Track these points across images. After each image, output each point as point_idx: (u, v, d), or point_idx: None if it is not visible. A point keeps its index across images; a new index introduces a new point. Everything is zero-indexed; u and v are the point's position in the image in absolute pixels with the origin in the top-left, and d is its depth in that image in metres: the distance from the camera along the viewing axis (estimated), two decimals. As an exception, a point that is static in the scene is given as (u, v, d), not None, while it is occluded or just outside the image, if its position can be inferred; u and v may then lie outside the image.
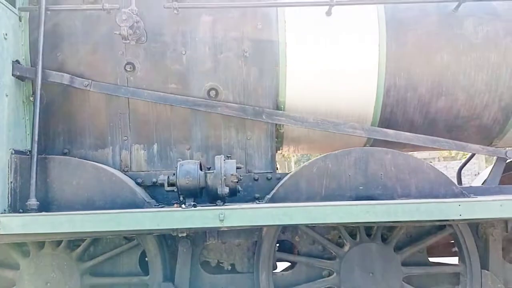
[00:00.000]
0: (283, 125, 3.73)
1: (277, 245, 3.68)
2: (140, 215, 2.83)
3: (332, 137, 3.79)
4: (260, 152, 3.62)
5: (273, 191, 3.31)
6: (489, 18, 3.64)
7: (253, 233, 3.47)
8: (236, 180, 3.08)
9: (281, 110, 3.68)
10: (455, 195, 3.26)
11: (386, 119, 3.82)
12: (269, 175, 3.57)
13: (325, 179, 3.31)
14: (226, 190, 3.03)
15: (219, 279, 3.50)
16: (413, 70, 3.65)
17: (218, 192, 3.04)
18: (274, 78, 3.60)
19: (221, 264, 3.58)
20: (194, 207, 2.98)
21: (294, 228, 3.47)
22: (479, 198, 3.11)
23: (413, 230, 3.52)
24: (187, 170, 3.08)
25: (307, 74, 3.65)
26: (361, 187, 3.28)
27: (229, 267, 3.56)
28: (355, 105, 3.75)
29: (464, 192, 3.30)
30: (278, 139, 3.95)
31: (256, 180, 3.57)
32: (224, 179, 3.05)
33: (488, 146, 4.17)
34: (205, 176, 3.07)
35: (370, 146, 3.91)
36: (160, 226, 2.82)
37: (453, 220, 3.22)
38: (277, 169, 3.88)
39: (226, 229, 3.11)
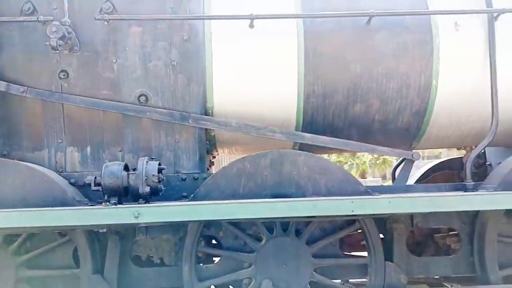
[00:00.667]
0: (213, 129, 4.02)
1: (213, 241, 3.99)
2: (62, 212, 3.10)
3: (262, 140, 4.08)
4: (188, 154, 3.89)
5: (196, 190, 3.59)
6: (399, 31, 3.97)
7: (180, 229, 3.75)
8: (157, 180, 3.36)
9: (209, 115, 3.97)
10: (360, 194, 3.57)
11: (309, 124, 4.12)
12: (196, 175, 3.84)
13: (243, 179, 3.60)
14: (147, 189, 3.31)
15: (147, 272, 3.79)
16: (329, 78, 3.96)
17: (140, 192, 3.31)
18: (201, 85, 3.88)
19: (151, 258, 3.86)
20: (115, 205, 3.25)
21: (218, 224, 3.76)
22: (373, 196, 3.43)
23: (327, 225, 3.84)
24: (111, 171, 3.35)
25: (232, 82, 3.94)
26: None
27: (158, 261, 3.85)
28: (279, 111, 4.05)
29: (368, 190, 3.61)
30: (210, 142, 4.24)
31: (184, 180, 3.84)
32: (145, 179, 3.33)
33: (408, 148, 4.54)
34: (128, 177, 3.35)
35: (298, 149, 4.22)
36: (80, 222, 3.10)
37: (360, 216, 3.57)
38: (207, 169, 4.19)
39: (144, 225, 3.39)
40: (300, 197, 3.55)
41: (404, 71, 3.97)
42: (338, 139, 3.93)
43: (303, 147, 4.20)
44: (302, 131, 4.11)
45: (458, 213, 3.91)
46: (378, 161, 38.33)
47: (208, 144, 4.23)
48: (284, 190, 3.59)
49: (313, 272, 3.67)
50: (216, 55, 3.88)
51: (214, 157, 4.92)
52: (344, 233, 3.79)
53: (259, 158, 3.63)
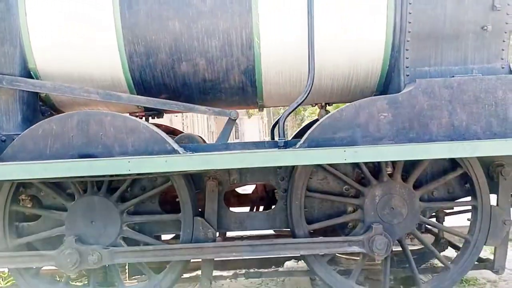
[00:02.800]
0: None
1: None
2: None
3: (99, 101, 4.10)
4: (8, 115, 3.94)
5: (4, 151, 3.66)
6: (216, -13, 3.89)
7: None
8: (-48, 142, 3.44)
9: (34, 77, 3.99)
10: (168, 152, 3.62)
11: (140, 84, 4.12)
12: (15, 137, 3.90)
13: (49, 140, 3.65)
14: None
15: None
16: (149, 37, 3.92)
17: None
18: (17, 46, 3.88)
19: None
20: None
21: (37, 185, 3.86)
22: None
23: (146, 184, 3.93)
24: None
25: (52, 42, 3.91)
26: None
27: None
28: (105, 72, 4.03)
29: (176, 149, 3.65)
30: (46, 103, 4.28)
31: (4, 141, 3.90)
32: None
33: (255, 107, 4.56)
34: None
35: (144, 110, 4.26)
36: None
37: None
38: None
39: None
40: (108, 156, 3.62)
41: (223, 28, 3.92)
42: (154, 99, 3.95)
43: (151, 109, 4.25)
44: (136, 92, 4.14)
45: (275, 169, 3.97)
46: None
47: (44, 106, 4.28)
48: (91, 150, 3.64)
49: (124, 227, 3.79)
50: (30, 14, 3.86)
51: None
52: (156, 191, 3.87)
53: (66, 119, 3.67)
